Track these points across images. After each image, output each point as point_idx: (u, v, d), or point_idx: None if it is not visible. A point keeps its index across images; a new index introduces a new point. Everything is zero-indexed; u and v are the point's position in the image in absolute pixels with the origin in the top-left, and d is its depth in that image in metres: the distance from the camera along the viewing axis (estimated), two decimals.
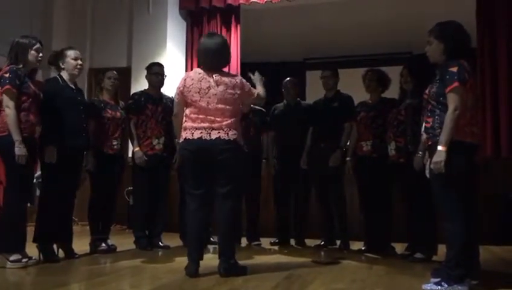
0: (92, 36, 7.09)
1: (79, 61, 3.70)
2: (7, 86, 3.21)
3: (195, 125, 3.02)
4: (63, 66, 3.68)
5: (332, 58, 8.13)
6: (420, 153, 3.41)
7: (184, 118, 3.10)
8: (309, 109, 4.65)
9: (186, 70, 6.97)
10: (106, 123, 4.01)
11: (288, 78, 4.77)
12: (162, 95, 4.40)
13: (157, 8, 6.76)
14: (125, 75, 6.24)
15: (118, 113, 4.10)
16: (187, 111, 3.09)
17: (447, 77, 2.62)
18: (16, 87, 3.23)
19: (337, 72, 4.54)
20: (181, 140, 3.09)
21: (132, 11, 6.91)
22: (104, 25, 7.05)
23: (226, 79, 3.07)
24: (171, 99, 4.49)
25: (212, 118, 3.00)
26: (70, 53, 3.69)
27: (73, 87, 3.71)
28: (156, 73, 4.39)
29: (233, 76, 3.16)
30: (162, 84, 4.41)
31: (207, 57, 3.10)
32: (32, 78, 3.45)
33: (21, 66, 3.32)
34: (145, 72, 4.50)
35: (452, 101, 2.58)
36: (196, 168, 3.05)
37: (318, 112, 4.50)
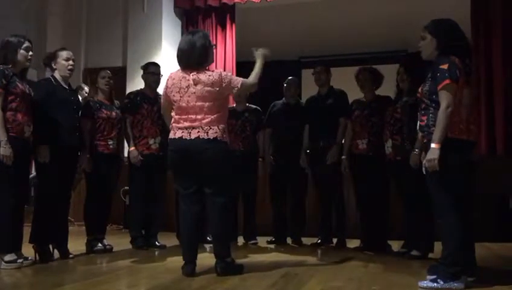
0: (87, 35, 7.07)
1: (70, 62, 3.68)
2: None
3: (178, 125, 3.03)
4: (55, 67, 3.67)
5: (327, 57, 8.15)
6: (417, 150, 3.42)
7: (172, 119, 3.12)
8: (307, 108, 4.66)
9: None
10: (101, 123, 3.99)
11: (290, 77, 4.78)
12: (157, 95, 4.38)
13: (152, 7, 6.75)
14: (120, 75, 6.23)
15: (114, 113, 4.09)
16: (173, 112, 3.11)
17: (438, 74, 2.63)
18: (2, 87, 3.20)
19: (328, 68, 4.56)
20: (168, 140, 3.12)
21: (127, 10, 6.89)
22: (98, 24, 7.03)
23: (203, 77, 3.02)
24: None
25: (193, 116, 3.00)
26: (62, 54, 3.68)
27: (67, 87, 3.70)
28: (152, 72, 4.38)
29: (211, 73, 3.07)
30: (158, 83, 4.40)
31: (180, 57, 3.08)
32: (23, 77, 3.41)
33: (10, 65, 3.29)
34: (140, 72, 4.49)
35: (444, 98, 2.59)
36: (182, 168, 3.05)
37: (313, 109, 4.51)
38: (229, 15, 6.95)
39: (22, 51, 3.35)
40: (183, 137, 2.99)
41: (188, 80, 3.03)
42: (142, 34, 6.71)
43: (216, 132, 2.99)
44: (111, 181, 4.09)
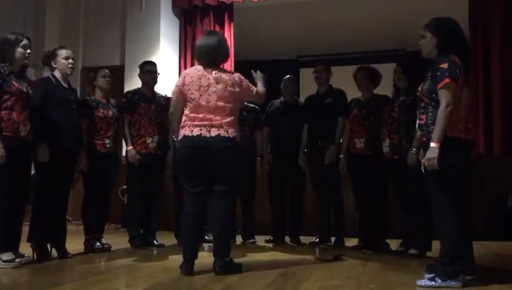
0: (85, 34, 7.06)
1: (70, 60, 3.67)
2: None
3: (195, 123, 3.00)
4: (54, 66, 3.65)
5: (325, 56, 8.14)
6: (414, 149, 3.43)
7: (183, 117, 3.07)
8: (305, 108, 4.65)
9: (179, 68, 6.96)
10: (99, 122, 3.98)
11: (287, 76, 4.78)
12: (155, 94, 4.39)
13: (150, 6, 6.74)
14: (118, 74, 6.22)
15: (110, 112, 4.08)
16: (186, 109, 3.06)
17: (438, 73, 2.63)
18: None
19: (329, 67, 4.55)
20: (179, 137, 3.06)
21: (125, 9, 6.89)
22: (96, 23, 7.02)
23: (225, 76, 3.05)
24: (165, 98, 4.48)
25: (212, 116, 2.99)
26: (62, 52, 3.66)
27: (67, 86, 3.68)
28: (149, 71, 4.37)
29: (233, 73, 3.14)
30: (155, 82, 4.40)
31: (206, 54, 3.08)
32: (22, 76, 3.38)
33: (7, 63, 3.25)
34: (138, 71, 4.48)
35: (444, 97, 2.60)
36: (194, 166, 3.02)
37: (312, 109, 4.50)
38: (227, 14, 6.95)
39: (19, 49, 3.31)
40: (202, 134, 2.97)
41: (209, 78, 3.03)
42: (140, 33, 6.70)
43: (234, 132, 3.02)
44: (108, 180, 4.08)
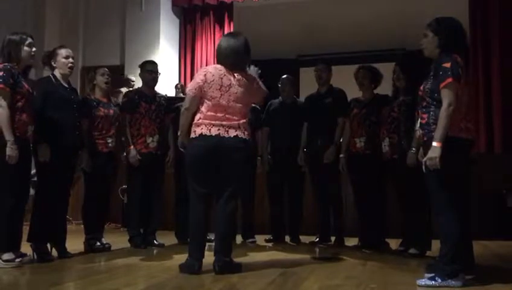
0: (85, 34, 7.07)
1: (70, 60, 3.67)
2: (0, 85, 3.16)
3: (212, 122, 2.99)
4: (55, 65, 3.65)
5: (325, 55, 8.15)
6: (414, 149, 3.43)
7: (198, 114, 3.04)
8: (305, 107, 4.65)
9: (179, 68, 6.96)
10: (100, 121, 3.98)
11: (285, 76, 4.76)
12: (155, 93, 4.38)
13: (150, 6, 6.75)
14: (118, 73, 6.22)
15: (111, 111, 4.08)
16: (203, 107, 3.03)
17: (441, 72, 2.63)
18: (9, 86, 3.18)
19: (330, 66, 4.54)
20: (193, 136, 3.02)
21: (125, 8, 6.90)
22: (96, 22, 7.03)
23: (246, 80, 3.07)
24: (165, 98, 4.48)
25: (231, 116, 3.00)
26: (62, 52, 3.66)
27: (67, 86, 3.68)
28: (150, 71, 4.36)
29: (252, 77, 3.13)
30: (156, 82, 4.39)
31: (228, 55, 3.05)
32: (26, 76, 3.39)
33: (15, 64, 3.26)
34: (138, 70, 4.48)
35: (446, 96, 2.59)
36: (208, 166, 3.00)
37: (312, 108, 4.50)
38: (227, 13, 6.96)
39: (26, 48, 3.32)
40: (221, 134, 2.97)
41: (230, 79, 3.03)
42: (140, 32, 6.71)
43: (248, 134, 3.06)
44: (109, 180, 4.08)
